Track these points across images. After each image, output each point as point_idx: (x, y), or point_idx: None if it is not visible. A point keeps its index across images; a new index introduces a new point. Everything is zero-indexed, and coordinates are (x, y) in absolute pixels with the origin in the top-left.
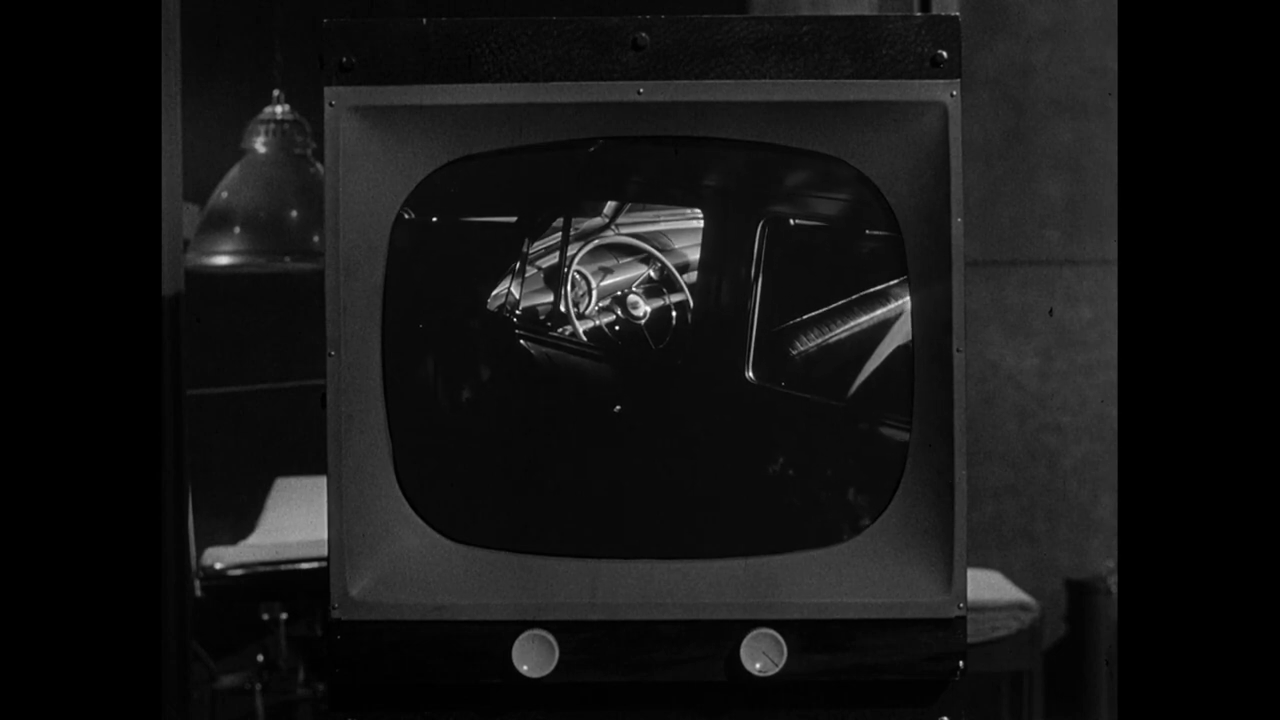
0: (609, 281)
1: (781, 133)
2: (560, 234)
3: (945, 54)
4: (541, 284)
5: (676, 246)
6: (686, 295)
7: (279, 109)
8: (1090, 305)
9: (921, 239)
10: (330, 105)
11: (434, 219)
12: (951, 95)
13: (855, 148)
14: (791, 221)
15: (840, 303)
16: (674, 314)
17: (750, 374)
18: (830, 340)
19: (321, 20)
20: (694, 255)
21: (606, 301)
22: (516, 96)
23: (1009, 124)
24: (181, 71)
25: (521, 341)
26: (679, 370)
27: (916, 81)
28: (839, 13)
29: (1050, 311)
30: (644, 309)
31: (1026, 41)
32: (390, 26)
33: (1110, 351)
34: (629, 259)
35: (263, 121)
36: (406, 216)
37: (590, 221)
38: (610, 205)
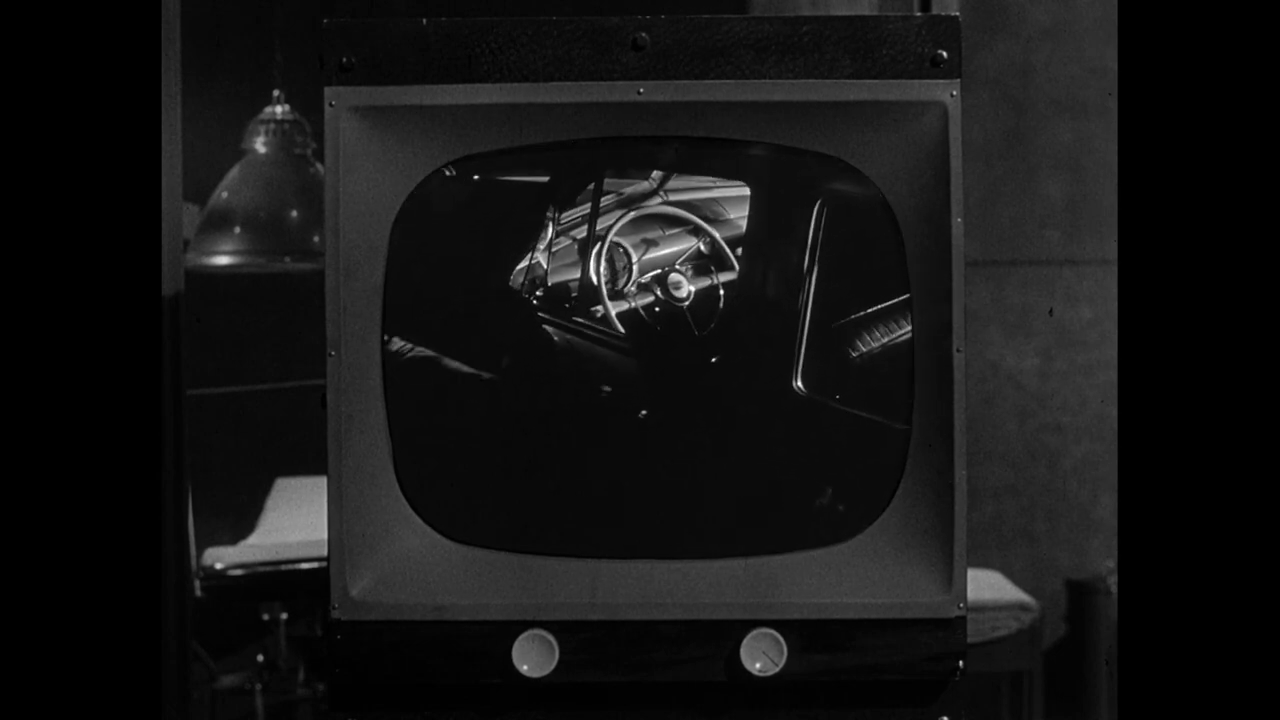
0: (652, 255)
1: (781, 133)
2: (592, 200)
3: (945, 54)
4: (575, 257)
5: (730, 217)
6: (736, 274)
7: (279, 109)
8: (1090, 305)
9: (921, 239)
10: (330, 105)
11: (474, 176)
12: (951, 95)
13: (855, 148)
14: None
15: (906, 296)
16: (722, 294)
17: (799, 383)
18: (897, 340)
19: (321, 20)
20: (746, 226)
21: (646, 279)
22: (516, 96)
23: (1009, 124)
24: (181, 71)
25: (545, 326)
26: (714, 370)
27: (916, 81)
28: (839, 13)
29: (1050, 311)
30: (687, 289)
31: (1026, 41)
32: (390, 26)
33: (1110, 351)
34: (676, 230)
35: (263, 121)
36: (448, 174)
37: (635, 186)
38: (658, 172)
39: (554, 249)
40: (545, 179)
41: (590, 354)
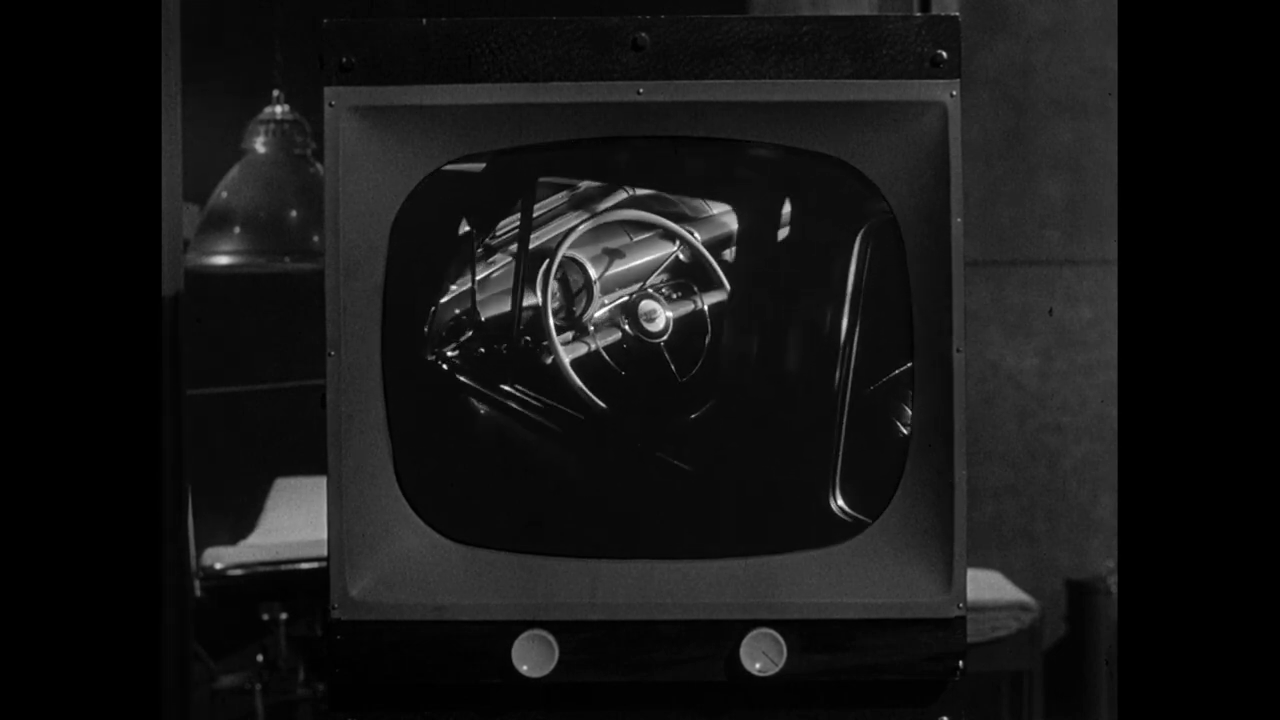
0: (618, 270)
1: (781, 133)
2: (559, 201)
3: (945, 54)
4: (512, 282)
5: (714, 213)
6: (727, 293)
7: (279, 109)
8: (1090, 305)
9: (921, 239)
10: (330, 105)
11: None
12: (951, 95)
13: (855, 148)
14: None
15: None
16: (709, 321)
17: (838, 502)
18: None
19: (321, 20)
20: (736, 224)
21: (609, 308)
22: (516, 96)
23: (1009, 124)
24: (181, 71)
25: (472, 399)
26: (702, 425)
27: (916, 81)
28: (839, 13)
29: (1050, 311)
30: (664, 318)
31: (1026, 41)
32: (390, 26)
33: (1110, 351)
34: (647, 235)
35: (263, 121)
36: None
37: (589, 184)
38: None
39: (489, 272)
40: (479, 168)
41: (533, 445)
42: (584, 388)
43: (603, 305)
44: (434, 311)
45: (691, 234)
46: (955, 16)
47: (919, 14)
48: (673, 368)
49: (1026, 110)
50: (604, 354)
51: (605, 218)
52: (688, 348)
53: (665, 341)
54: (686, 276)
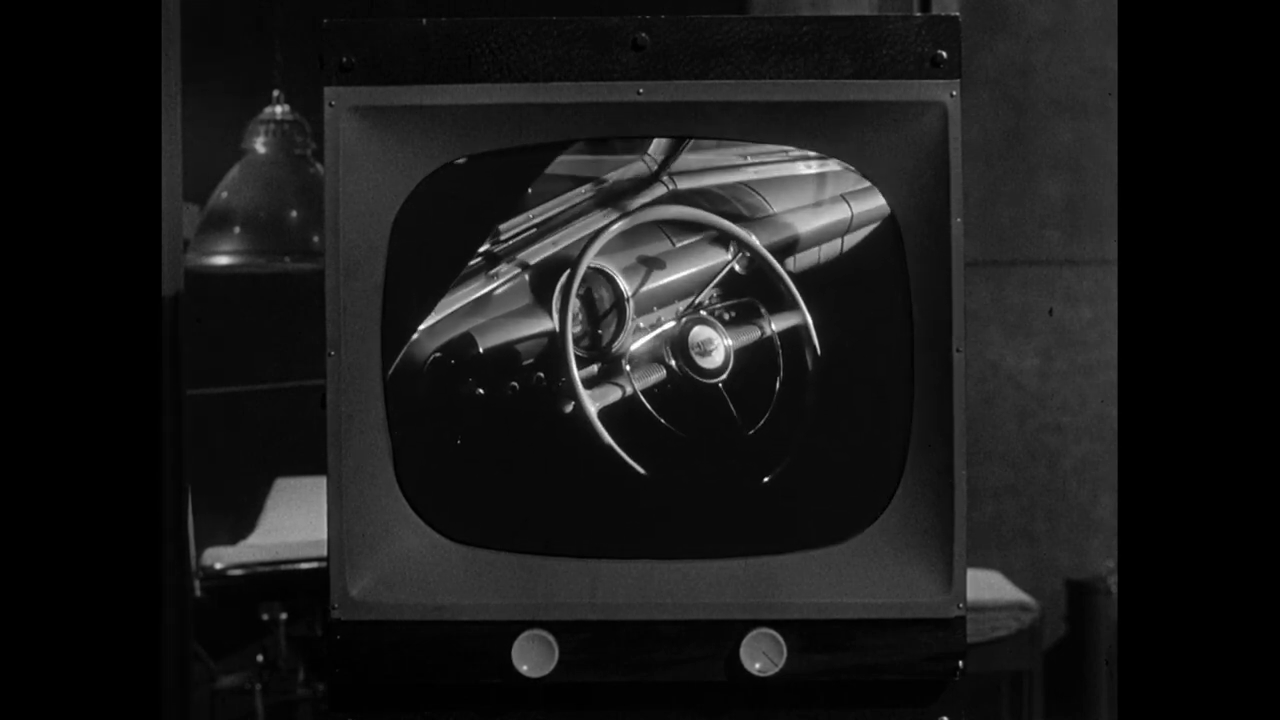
0: (658, 285)
1: (782, 133)
2: (577, 198)
3: (945, 54)
4: (528, 299)
5: (774, 211)
6: (804, 315)
7: (279, 109)
8: (1090, 305)
9: (921, 239)
10: (330, 105)
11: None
12: (951, 95)
13: (855, 148)
14: None
15: None
16: (780, 351)
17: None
18: None
19: (321, 20)
20: (809, 224)
21: (650, 338)
22: (516, 96)
23: (1009, 124)
24: (181, 71)
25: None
26: (775, 490)
27: (916, 81)
28: (839, 13)
29: (1050, 311)
30: (721, 350)
31: (1026, 41)
32: (390, 26)
33: (1110, 351)
34: (694, 238)
35: (263, 121)
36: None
37: (624, 170)
38: (657, 144)
39: (489, 289)
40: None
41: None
42: (615, 445)
43: (638, 330)
44: (414, 340)
45: (750, 236)
46: (955, 16)
47: (919, 14)
48: (737, 416)
49: (1026, 110)
50: (643, 399)
51: (640, 217)
52: (753, 387)
53: (724, 379)
54: (747, 293)
